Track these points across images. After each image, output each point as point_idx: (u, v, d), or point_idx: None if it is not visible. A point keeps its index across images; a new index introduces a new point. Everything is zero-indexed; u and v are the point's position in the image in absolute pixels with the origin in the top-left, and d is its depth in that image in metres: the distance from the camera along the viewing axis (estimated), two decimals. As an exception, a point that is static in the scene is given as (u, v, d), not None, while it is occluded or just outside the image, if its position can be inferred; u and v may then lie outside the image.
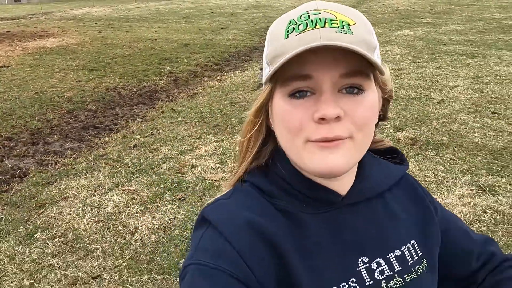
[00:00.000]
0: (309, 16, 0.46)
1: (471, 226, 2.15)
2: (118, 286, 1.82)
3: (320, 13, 0.46)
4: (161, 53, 6.90)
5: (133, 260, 1.98)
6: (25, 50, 7.38)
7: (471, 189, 2.47)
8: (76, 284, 1.85)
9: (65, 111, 4.34)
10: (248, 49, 7.25)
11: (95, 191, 2.65)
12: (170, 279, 1.85)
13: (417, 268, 0.54)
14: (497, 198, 2.37)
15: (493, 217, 2.21)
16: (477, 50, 6.24)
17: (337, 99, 0.45)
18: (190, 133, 3.53)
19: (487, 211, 2.26)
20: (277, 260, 0.48)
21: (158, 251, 2.03)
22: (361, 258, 0.51)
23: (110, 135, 3.63)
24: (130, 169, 2.94)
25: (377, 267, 0.52)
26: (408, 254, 0.54)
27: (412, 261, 0.54)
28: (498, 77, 4.82)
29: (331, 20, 0.45)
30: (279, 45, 0.47)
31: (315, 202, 0.52)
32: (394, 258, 0.53)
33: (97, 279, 1.87)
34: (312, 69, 0.45)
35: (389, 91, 0.53)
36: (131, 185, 2.70)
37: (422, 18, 9.64)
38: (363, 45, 0.44)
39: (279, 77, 0.46)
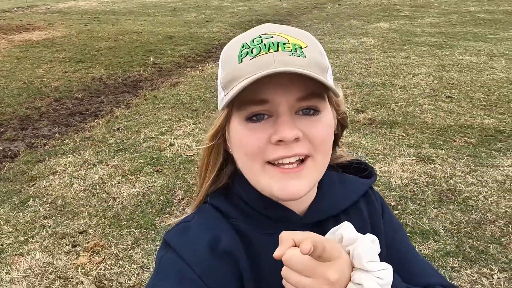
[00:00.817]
0: (261, 39, 0.47)
1: (407, 187, 2.52)
2: (101, 238, 2.13)
3: (272, 36, 0.47)
4: (146, 45, 7.12)
5: (115, 219, 2.29)
6: (11, 43, 7.52)
7: (412, 159, 2.84)
8: (65, 238, 2.15)
9: (52, 100, 4.57)
10: (231, 41, 7.52)
11: (81, 166, 2.94)
12: (146, 232, 2.17)
13: None
14: (433, 166, 2.75)
15: (426, 180, 2.58)
16: (446, 42, 6.63)
17: (294, 120, 0.46)
18: (170, 117, 3.82)
19: (422, 176, 2.63)
20: (238, 277, 0.49)
21: (137, 212, 2.35)
22: None
23: (96, 120, 3.89)
24: (114, 148, 3.23)
25: None
26: None
27: None
28: (459, 65, 5.20)
29: (284, 44, 0.46)
30: (234, 70, 0.47)
31: (271, 222, 0.52)
32: None
33: (83, 234, 2.18)
34: (268, 93, 0.45)
35: (342, 113, 0.55)
36: (114, 161, 2.99)
37: (400, 11, 10.00)
38: (316, 67, 0.46)
39: (235, 101, 0.46)
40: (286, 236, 0.41)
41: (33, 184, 2.74)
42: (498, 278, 1.83)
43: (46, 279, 1.87)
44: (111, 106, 4.33)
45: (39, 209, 2.44)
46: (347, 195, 0.57)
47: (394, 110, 3.77)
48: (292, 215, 0.52)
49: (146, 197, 2.50)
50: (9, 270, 1.94)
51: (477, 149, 3.00)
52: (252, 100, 0.46)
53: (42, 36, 8.01)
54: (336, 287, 0.41)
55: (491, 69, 5.01)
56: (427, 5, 10.99)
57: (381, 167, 2.74)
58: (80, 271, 1.91)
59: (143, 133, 3.49)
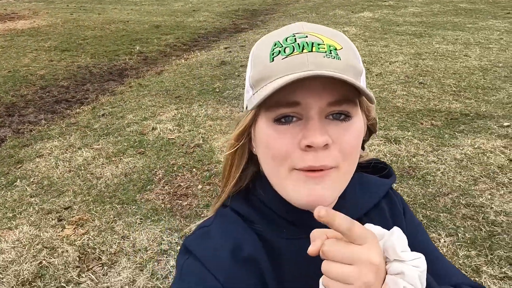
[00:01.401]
0: (295, 38, 0.45)
1: (371, 165, 2.72)
2: (85, 213, 2.29)
3: (307, 36, 0.45)
4: (133, 34, 7.15)
5: (98, 196, 2.45)
6: (-4, 32, 7.47)
7: (380, 140, 3.04)
8: (51, 213, 2.30)
9: (38, 88, 4.64)
10: (217, 31, 7.59)
11: (67, 150, 3.07)
12: (128, 207, 2.33)
13: None
14: (398, 146, 2.95)
15: (390, 158, 2.78)
16: (425, 31, 6.82)
17: (324, 125, 0.44)
18: (154, 103, 3.95)
19: (387, 154, 2.83)
20: (261, 283, 0.48)
21: (119, 189, 2.51)
22: None
23: (81, 107, 4.00)
24: (98, 132, 3.36)
25: None
26: None
27: None
28: (435, 53, 5.41)
29: (319, 44, 0.44)
30: (264, 68, 0.46)
31: (293, 227, 0.51)
32: None
33: (68, 209, 2.33)
34: (300, 96, 0.43)
35: (372, 119, 0.53)
36: (98, 144, 3.13)
37: (385, 1, 10.15)
38: (351, 71, 0.44)
39: (265, 101, 0.44)
40: (318, 233, 0.41)
41: (20, 167, 2.86)
42: (445, 241, 2.05)
43: (33, 249, 2.03)
44: (96, 93, 4.43)
45: (26, 188, 2.57)
46: (369, 197, 0.56)
47: (368, 96, 3.96)
48: (314, 220, 0.50)
49: (129, 176, 2.65)
50: (-2, 242, 2.09)
51: (441, 131, 3.21)
52: (283, 102, 0.44)
53: (27, 25, 7.96)
54: (380, 272, 0.39)
55: (466, 57, 5.22)
56: (412, -5, 11.17)
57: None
58: (65, 242, 2.07)
59: (127, 118, 3.62)
